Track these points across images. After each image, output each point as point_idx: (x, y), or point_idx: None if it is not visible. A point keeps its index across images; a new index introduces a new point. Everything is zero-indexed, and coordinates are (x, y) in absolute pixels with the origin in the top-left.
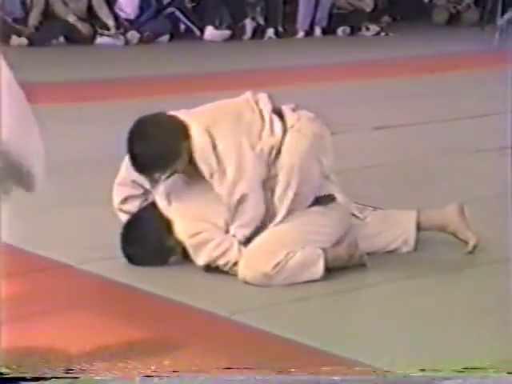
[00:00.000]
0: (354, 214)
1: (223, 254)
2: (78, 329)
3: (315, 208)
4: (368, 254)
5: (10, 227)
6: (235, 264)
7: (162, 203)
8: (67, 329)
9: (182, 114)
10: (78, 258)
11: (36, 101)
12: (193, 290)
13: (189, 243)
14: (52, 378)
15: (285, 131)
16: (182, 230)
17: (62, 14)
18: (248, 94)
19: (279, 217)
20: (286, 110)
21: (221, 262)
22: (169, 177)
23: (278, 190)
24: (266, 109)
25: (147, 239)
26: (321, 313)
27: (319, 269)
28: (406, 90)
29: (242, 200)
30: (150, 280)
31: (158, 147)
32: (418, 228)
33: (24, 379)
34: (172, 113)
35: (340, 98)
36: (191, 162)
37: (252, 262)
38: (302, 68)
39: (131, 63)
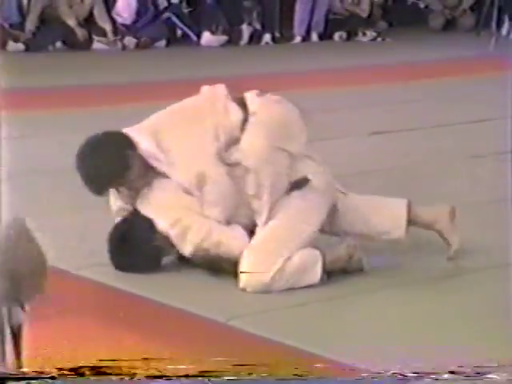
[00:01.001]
0: (338, 189)
1: (206, 237)
2: (74, 334)
3: (294, 193)
4: (361, 243)
5: None
6: (218, 245)
7: (141, 205)
8: (63, 334)
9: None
10: (75, 263)
11: (33, 107)
12: (190, 295)
13: (172, 233)
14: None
15: (246, 118)
16: (162, 222)
17: (65, 16)
18: (204, 88)
19: (264, 216)
20: (249, 96)
21: (205, 246)
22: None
23: (251, 189)
24: (220, 98)
25: (135, 243)
26: (318, 318)
27: (317, 272)
28: (403, 95)
29: (201, 180)
30: (147, 286)
31: (104, 163)
32: (409, 219)
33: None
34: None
35: (337, 103)
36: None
37: (251, 272)
38: (298, 73)
39: (128, 68)
